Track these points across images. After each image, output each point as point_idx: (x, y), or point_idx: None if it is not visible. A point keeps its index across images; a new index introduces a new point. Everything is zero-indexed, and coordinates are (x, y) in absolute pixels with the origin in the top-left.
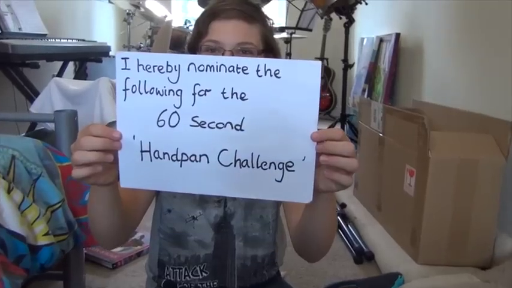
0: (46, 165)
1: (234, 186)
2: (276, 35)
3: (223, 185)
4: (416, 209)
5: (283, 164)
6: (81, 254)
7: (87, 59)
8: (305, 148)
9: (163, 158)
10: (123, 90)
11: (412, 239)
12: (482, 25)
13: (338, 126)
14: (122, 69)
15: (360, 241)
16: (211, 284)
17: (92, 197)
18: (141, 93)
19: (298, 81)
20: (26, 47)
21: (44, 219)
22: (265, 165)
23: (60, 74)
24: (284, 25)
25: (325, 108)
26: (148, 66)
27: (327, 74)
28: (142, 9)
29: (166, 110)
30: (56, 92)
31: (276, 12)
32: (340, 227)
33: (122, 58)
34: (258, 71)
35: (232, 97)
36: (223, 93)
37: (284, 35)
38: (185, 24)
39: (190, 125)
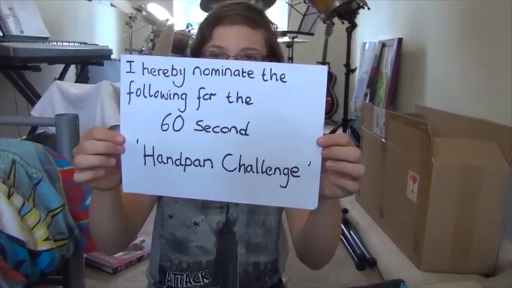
0: (47, 169)
1: (238, 192)
2: (278, 39)
3: (227, 191)
4: (419, 215)
5: (288, 169)
6: (82, 259)
7: (88, 62)
8: (311, 153)
9: (167, 162)
10: (128, 93)
11: (415, 246)
12: (485, 30)
13: (340, 130)
14: (127, 72)
15: (362, 247)
16: None
17: (93, 201)
18: (145, 97)
19: (304, 85)
20: (27, 50)
21: (44, 224)
22: (270, 170)
23: (61, 77)
24: (286, 29)
25: (327, 113)
26: (153, 70)
27: (328, 78)
28: (144, 13)
29: (170, 113)
30: (58, 95)
31: (278, 16)
32: (342, 232)
33: (127, 61)
34: (263, 75)
35: (237, 101)
36: (228, 97)
37: (286, 39)
38: (187, 27)
39: (195, 129)
